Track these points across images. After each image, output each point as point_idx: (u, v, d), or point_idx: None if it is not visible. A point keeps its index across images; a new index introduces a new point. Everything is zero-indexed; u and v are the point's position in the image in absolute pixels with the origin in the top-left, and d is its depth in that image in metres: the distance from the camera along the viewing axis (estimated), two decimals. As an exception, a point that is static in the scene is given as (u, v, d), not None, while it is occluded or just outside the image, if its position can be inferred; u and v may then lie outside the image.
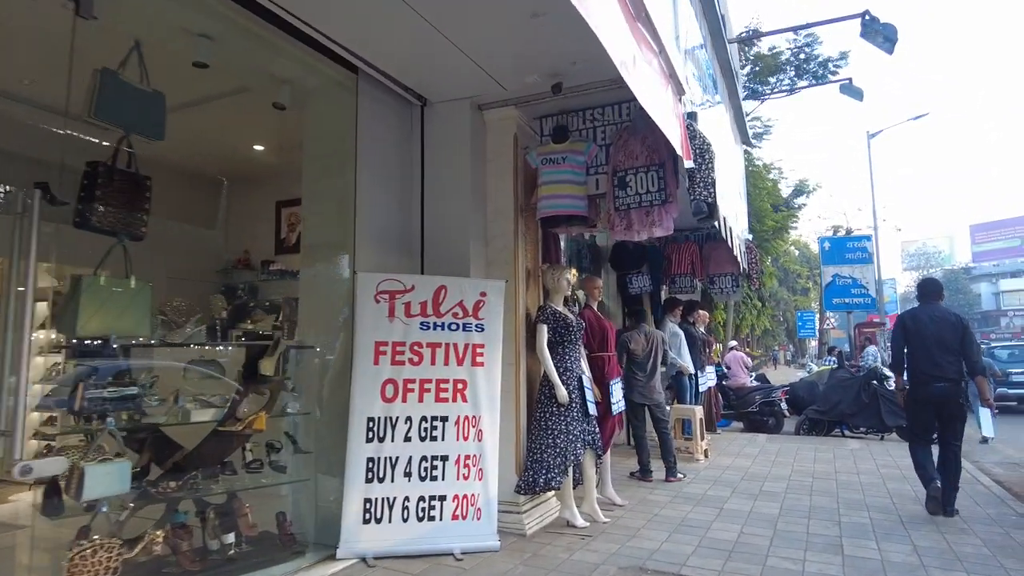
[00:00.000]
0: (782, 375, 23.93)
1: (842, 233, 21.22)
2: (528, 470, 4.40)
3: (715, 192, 3.93)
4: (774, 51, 14.88)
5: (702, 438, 7.29)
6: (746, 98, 15.68)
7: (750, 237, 8.84)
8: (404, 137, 4.66)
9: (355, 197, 4.13)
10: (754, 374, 13.46)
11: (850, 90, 8.94)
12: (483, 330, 4.05)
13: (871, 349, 10.34)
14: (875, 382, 9.51)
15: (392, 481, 3.78)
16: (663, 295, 8.66)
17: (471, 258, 4.50)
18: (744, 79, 15.59)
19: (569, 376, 4.47)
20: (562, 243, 5.86)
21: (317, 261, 4.30)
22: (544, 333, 4.48)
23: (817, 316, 30.96)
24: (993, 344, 15.57)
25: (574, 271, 4.75)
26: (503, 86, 4.38)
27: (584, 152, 4.42)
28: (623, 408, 5.18)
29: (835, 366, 11.15)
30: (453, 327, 4.00)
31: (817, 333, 28.98)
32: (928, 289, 5.17)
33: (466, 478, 3.91)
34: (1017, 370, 13.96)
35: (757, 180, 15.88)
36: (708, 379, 8.50)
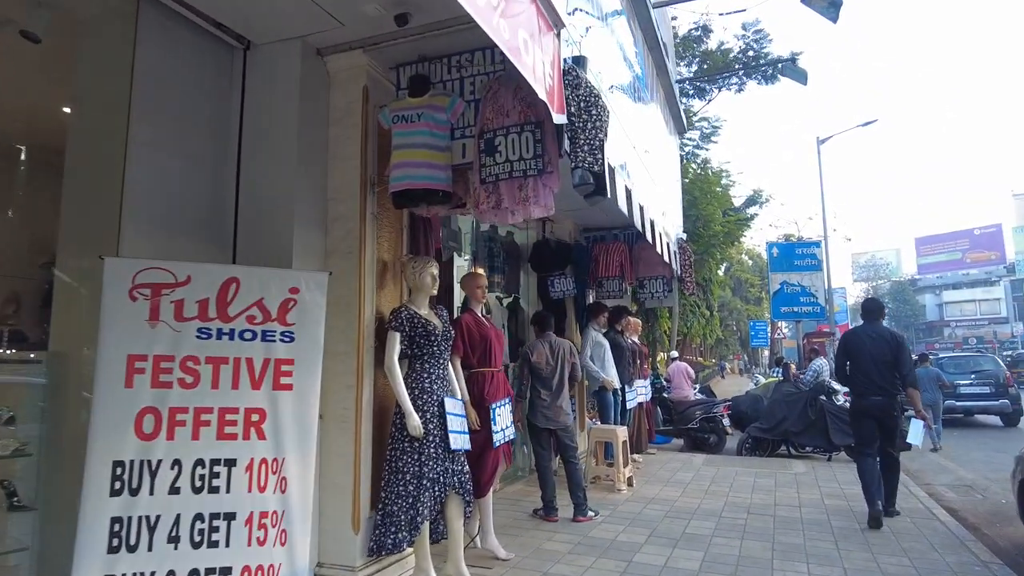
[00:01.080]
0: (733, 386, 23.40)
1: (794, 240, 20.78)
2: (379, 527, 3.35)
3: (603, 159, 2.96)
4: (723, 47, 14.25)
5: (626, 464, 6.33)
6: (693, 95, 15.02)
7: (683, 237, 7.98)
8: (218, 89, 3.58)
9: (124, 161, 3.03)
10: (698, 387, 12.67)
11: (793, 72, 8.24)
12: (292, 340, 2.98)
13: (818, 362, 9.63)
14: (822, 397, 8.75)
15: (149, 550, 2.66)
16: (590, 300, 7.71)
17: (300, 247, 3.45)
18: (686, 75, 14.92)
19: (427, 400, 3.44)
20: (446, 231, 4.86)
21: (77, 248, 3.18)
22: (394, 344, 3.45)
23: (769, 326, 30.70)
24: (941, 355, 15.20)
25: (431, 266, 3.71)
26: (339, 20, 3.35)
27: (447, 109, 3.40)
28: (511, 438, 4.16)
29: (781, 379, 10.40)
30: (247, 335, 2.92)
31: (769, 343, 28.62)
32: (869, 308, 5.62)
33: (262, 543, 2.82)
34: (963, 381, 13.50)
35: (705, 184, 15.21)
36: (638, 395, 7.58)
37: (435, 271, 3.66)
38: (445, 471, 3.43)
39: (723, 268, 38.57)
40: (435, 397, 3.46)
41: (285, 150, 3.50)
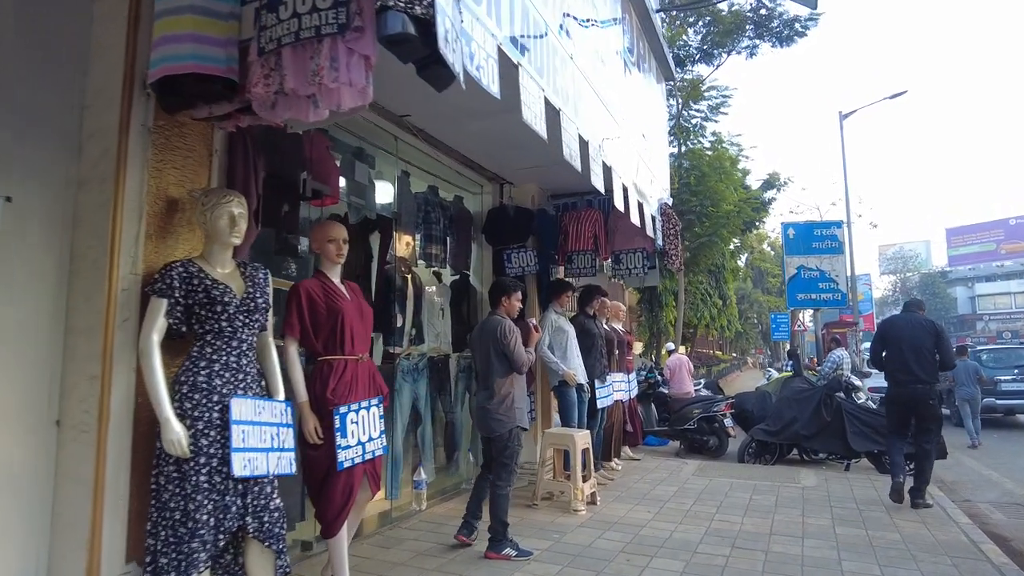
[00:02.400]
0: (751, 382, 21.93)
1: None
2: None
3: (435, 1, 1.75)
4: (733, 8, 12.83)
5: (587, 477, 5.11)
6: (699, 60, 13.65)
7: (668, 201, 6.68)
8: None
9: None
10: (703, 382, 11.36)
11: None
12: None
13: (837, 353, 8.29)
14: (840, 395, 7.42)
15: None
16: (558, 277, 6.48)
17: (27, 170, 2.29)
18: (692, 43, 13.53)
19: (201, 400, 2.27)
20: (351, 181, 3.66)
21: None
22: (155, 316, 2.28)
23: (791, 317, 29.08)
24: (980, 348, 13.64)
25: (231, 203, 2.50)
26: None
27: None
28: (375, 454, 2.96)
29: (791, 373, 9.07)
30: None
31: (790, 336, 27.01)
32: (909, 301, 5.75)
33: None
34: (1005, 377, 12.00)
35: (715, 159, 13.83)
36: (616, 391, 6.34)
37: (238, 210, 2.47)
38: (226, 508, 2.25)
39: (743, 258, 37.03)
40: (215, 397, 2.27)
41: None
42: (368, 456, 2.88)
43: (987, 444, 9.87)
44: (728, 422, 8.56)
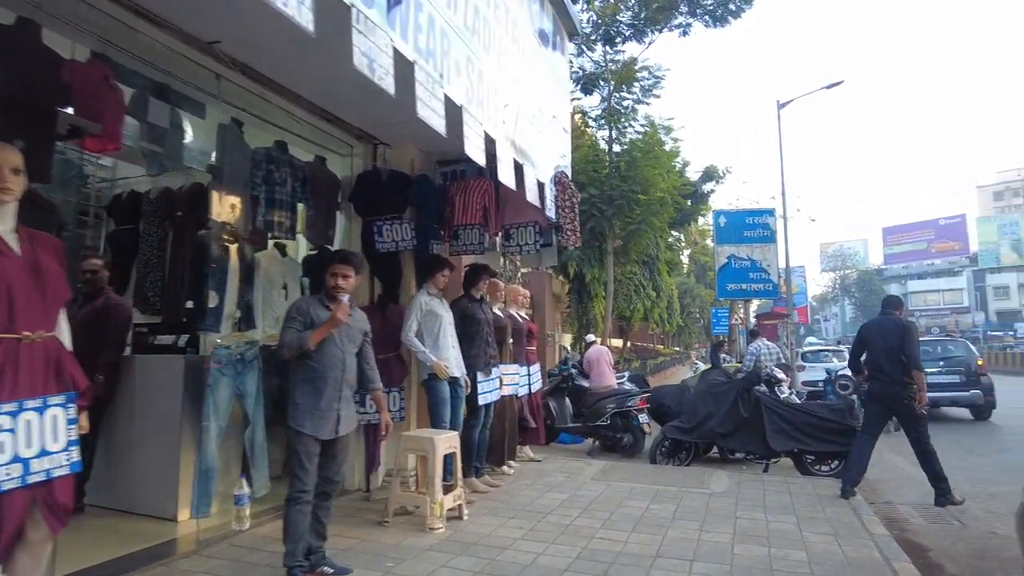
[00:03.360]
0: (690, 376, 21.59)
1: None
2: None
3: None
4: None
5: (450, 489, 4.29)
6: (630, 37, 13.00)
7: (563, 170, 5.86)
8: None
9: None
10: (626, 375, 10.72)
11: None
12: None
13: (755, 345, 7.74)
14: (760, 389, 6.83)
15: None
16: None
17: None
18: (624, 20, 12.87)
19: None
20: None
21: None
22: None
23: (730, 312, 29.02)
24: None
25: None
26: None
27: None
28: (61, 474, 2.05)
29: (710, 365, 8.48)
30: None
31: (729, 330, 26.90)
32: (885, 301, 5.90)
33: None
34: (931, 370, 11.75)
35: (648, 143, 13.22)
36: (506, 385, 5.55)
37: None
38: None
39: (686, 253, 36.95)
40: None
41: None
42: (34, 478, 1.98)
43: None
44: (644, 418, 7.91)
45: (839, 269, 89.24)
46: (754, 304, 19.21)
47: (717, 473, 6.14)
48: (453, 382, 4.76)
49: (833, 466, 6.41)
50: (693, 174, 22.42)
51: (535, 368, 6.72)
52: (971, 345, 12.62)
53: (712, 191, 22.19)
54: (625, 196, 12.88)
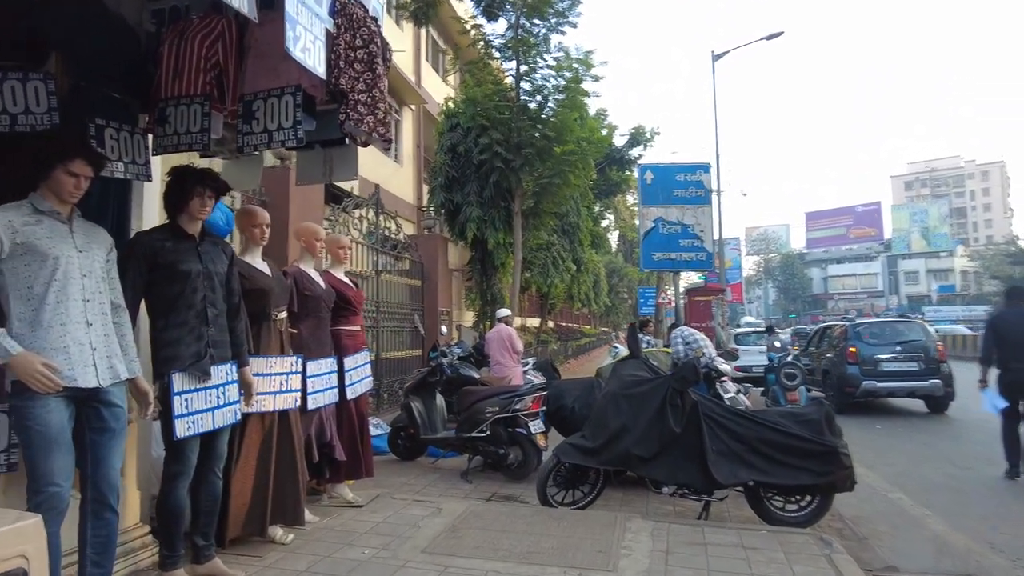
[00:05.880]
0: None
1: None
2: None
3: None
4: None
5: None
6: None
7: (374, 12, 3.28)
8: None
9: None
10: (531, 362, 8.40)
11: None
12: None
13: (681, 331, 5.60)
14: (697, 391, 4.61)
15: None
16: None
17: None
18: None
19: None
20: None
21: None
22: None
23: (658, 290, 27.32)
24: (859, 322, 11.71)
25: None
26: None
27: None
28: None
29: (620, 356, 6.24)
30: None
31: (655, 310, 25.20)
32: (1013, 293, 6.24)
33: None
34: (884, 356, 10.07)
35: (565, 77, 10.86)
36: (261, 395, 3.05)
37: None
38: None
39: (615, 235, 35.10)
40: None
41: None
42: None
43: (879, 444, 7.66)
44: (537, 425, 5.60)
45: (763, 252, 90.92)
46: (683, 279, 17.35)
47: (634, 527, 3.87)
48: (79, 398, 2.24)
49: (804, 505, 4.30)
50: (619, 139, 20.41)
51: (358, 359, 4.25)
52: (928, 327, 11.00)
53: (640, 156, 20.24)
54: (535, 144, 10.53)
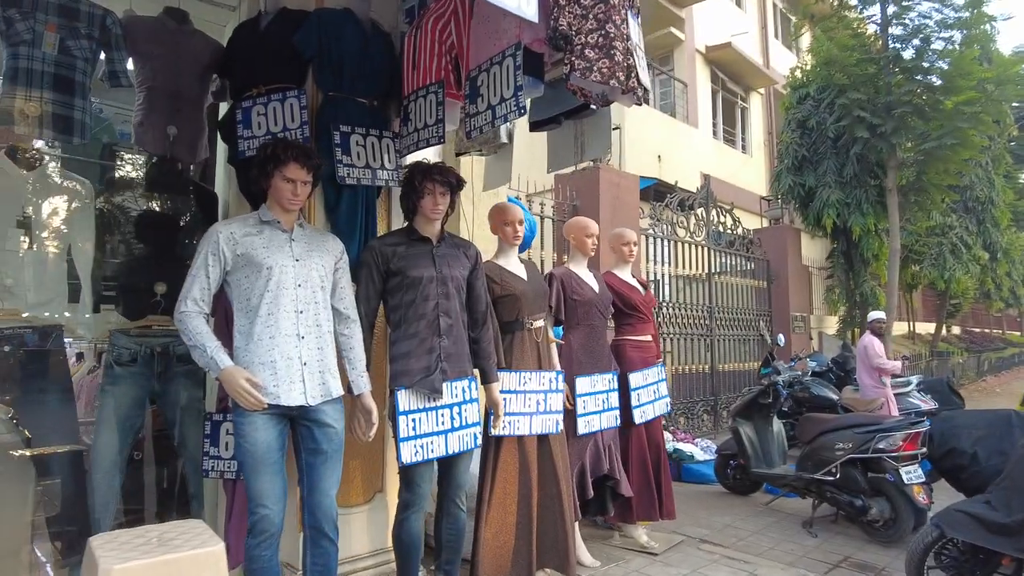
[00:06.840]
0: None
1: None
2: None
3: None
4: None
5: None
6: None
7: None
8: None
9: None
10: (915, 379, 6.46)
11: None
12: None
13: None
14: None
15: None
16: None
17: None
18: None
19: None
20: None
21: None
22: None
23: None
24: None
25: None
26: None
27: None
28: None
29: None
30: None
31: None
32: None
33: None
34: None
35: (944, 18, 8.37)
36: (514, 415, 2.66)
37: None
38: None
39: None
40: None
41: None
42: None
43: None
44: (913, 473, 4.05)
45: None
46: None
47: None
48: (290, 416, 2.12)
49: None
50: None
51: (648, 375, 3.57)
52: None
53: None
54: (912, 101, 8.25)
